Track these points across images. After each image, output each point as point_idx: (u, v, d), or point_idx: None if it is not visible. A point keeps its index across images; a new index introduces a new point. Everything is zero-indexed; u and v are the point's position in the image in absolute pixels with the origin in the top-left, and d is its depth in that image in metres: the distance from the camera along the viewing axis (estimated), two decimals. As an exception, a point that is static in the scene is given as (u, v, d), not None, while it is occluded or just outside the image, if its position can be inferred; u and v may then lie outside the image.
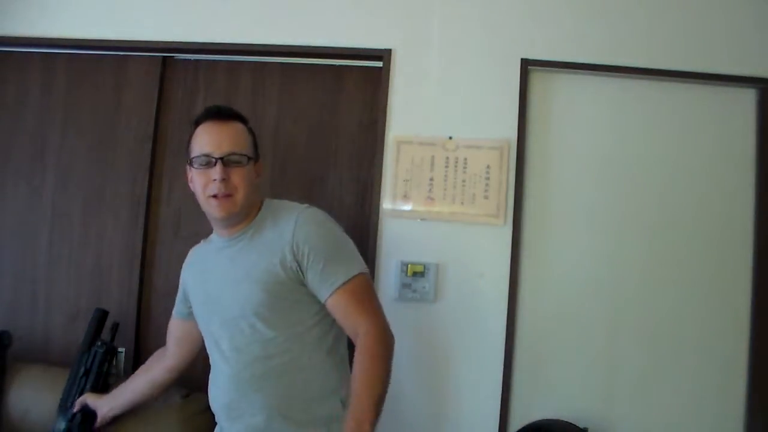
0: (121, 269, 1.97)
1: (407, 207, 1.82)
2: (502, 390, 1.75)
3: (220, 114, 1.32)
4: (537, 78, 1.85)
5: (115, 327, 1.75)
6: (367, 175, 1.90)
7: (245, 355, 1.28)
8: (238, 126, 1.34)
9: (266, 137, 1.98)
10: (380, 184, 1.83)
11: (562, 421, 1.73)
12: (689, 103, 1.84)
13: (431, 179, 1.82)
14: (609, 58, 1.81)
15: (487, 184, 1.80)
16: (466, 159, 1.81)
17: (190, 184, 1.35)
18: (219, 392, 1.35)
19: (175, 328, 1.54)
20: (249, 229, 1.33)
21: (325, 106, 1.97)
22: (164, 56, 2.02)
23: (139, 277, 1.96)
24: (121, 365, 1.91)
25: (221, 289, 1.33)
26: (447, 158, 1.82)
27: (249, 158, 1.31)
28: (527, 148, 1.82)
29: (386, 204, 1.82)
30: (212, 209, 1.30)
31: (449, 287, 1.79)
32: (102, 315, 1.75)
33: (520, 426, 1.73)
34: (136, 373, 1.60)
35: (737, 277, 1.81)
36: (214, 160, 1.27)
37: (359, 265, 1.29)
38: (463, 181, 1.81)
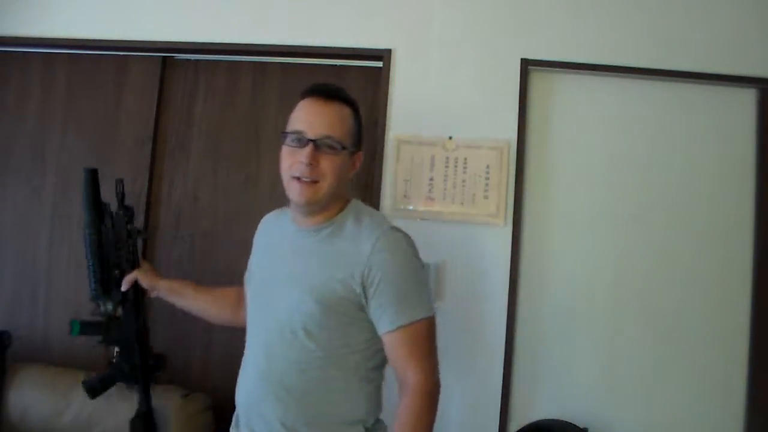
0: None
1: (407, 207, 1.82)
2: (502, 390, 1.75)
3: (324, 92, 1.21)
4: (537, 78, 1.85)
5: (120, 183, 1.52)
6: (367, 175, 1.90)
7: (279, 360, 1.19)
8: (344, 110, 1.22)
9: (266, 137, 1.98)
10: (380, 184, 1.83)
11: (562, 421, 1.73)
12: (689, 103, 1.84)
13: (431, 179, 1.82)
14: (609, 58, 1.81)
15: (487, 184, 1.80)
16: (466, 159, 1.81)
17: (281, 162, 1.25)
18: (244, 386, 1.26)
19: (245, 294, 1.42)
20: (326, 227, 1.22)
21: (325, 106, 1.97)
22: (164, 56, 2.02)
23: (139, 277, 1.96)
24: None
25: (277, 281, 1.23)
26: (447, 158, 1.82)
27: (344, 147, 1.19)
28: (527, 148, 1.82)
29: (386, 204, 1.82)
30: (293, 192, 1.19)
31: (449, 287, 1.78)
32: (92, 174, 1.51)
33: (520, 426, 1.73)
34: (214, 293, 1.50)
35: (737, 277, 1.80)
36: (306, 140, 1.16)
37: (426, 309, 1.18)
38: (463, 181, 1.81)
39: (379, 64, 1.88)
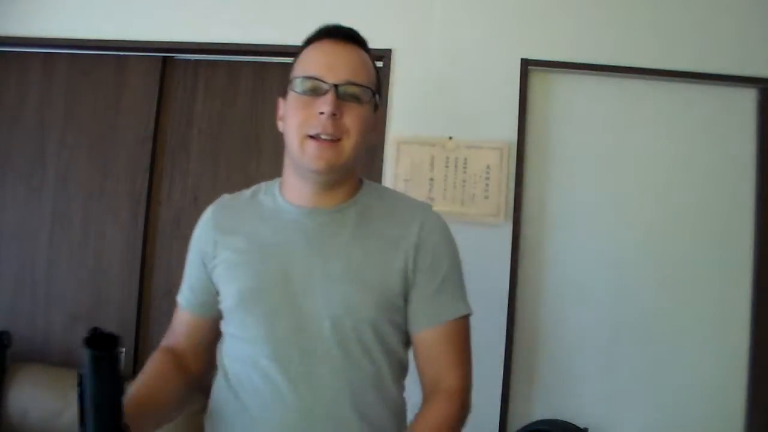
0: (121, 269, 1.97)
1: (407, 207, 1.82)
2: (502, 390, 1.75)
3: (341, 33, 0.97)
4: (537, 78, 1.85)
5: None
6: (368, 175, 1.90)
7: (327, 387, 0.90)
8: (363, 54, 0.97)
9: (266, 137, 1.98)
10: (380, 184, 1.83)
11: (562, 421, 1.72)
12: (689, 103, 1.84)
13: (431, 179, 1.82)
14: (609, 58, 1.81)
15: (487, 184, 1.80)
16: (466, 159, 1.81)
17: (279, 122, 0.98)
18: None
19: (186, 324, 1.05)
20: (350, 206, 0.97)
21: (325, 106, 1.97)
22: (164, 56, 2.02)
23: (139, 277, 1.96)
24: (122, 366, 1.88)
25: (297, 284, 0.91)
26: (447, 158, 1.82)
27: (374, 93, 0.95)
28: (527, 148, 1.82)
29: (386, 204, 1.82)
30: (307, 156, 0.89)
31: (449, 287, 1.78)
32: None
33: (519, 426, 1.73)
34: (161, 371, 0.98)
35: (737, 277, 1.80)
36: (325, 86, 0.89)
37: (468, 305, 1.01)
38: (463, 181, 1.81)
39: (380, 64, 1.87)
